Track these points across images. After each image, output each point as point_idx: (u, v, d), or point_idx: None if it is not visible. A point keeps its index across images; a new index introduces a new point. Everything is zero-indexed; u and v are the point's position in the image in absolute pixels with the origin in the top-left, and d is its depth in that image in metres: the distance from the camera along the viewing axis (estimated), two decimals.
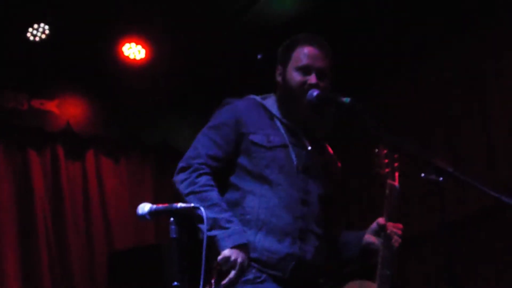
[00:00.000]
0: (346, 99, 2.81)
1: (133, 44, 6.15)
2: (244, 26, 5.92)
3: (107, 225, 6.61)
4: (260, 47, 6.05)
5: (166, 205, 2.58)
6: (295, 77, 2.96)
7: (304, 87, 2.94)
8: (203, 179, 2.82)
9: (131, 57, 6.18)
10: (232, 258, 2.70)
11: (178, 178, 2.86)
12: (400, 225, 2.95)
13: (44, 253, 6.16)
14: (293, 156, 2.94)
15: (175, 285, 2.39)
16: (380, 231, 2.93)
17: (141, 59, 6.19)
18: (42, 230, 6.21)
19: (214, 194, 2.81)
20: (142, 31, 6.11)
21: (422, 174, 2.55)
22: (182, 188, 2.82)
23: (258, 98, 3.07)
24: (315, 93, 2.92)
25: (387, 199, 2.97)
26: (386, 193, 2.97)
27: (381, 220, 2.95)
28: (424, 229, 5.71)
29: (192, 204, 2.59)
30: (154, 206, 2.53)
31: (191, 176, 2.83)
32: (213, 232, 2.73)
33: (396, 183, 3.00)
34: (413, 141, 2.79)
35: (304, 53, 2.99)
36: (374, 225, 2.98)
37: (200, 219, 2.66)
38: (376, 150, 3.06)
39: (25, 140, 6.39)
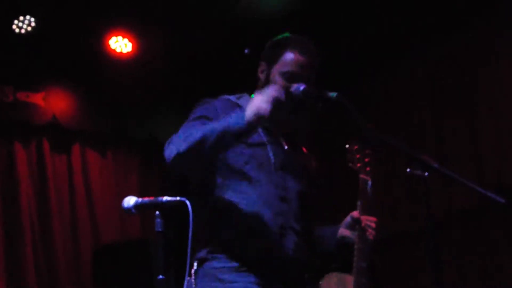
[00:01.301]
0: (333, 94, 2.81)
1: (120, 38, 6.13)
2: (232, 21, 5.92)
3: (93, 218, 6.60)
4: (247, 42, 6.05)
5: (151, 198, 2.58)
6: (279, 82, 2.94)
7: (287, 93, 2.90)
8: (173, 137, 2.76)
9: (118, 50, 6.16)
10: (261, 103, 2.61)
11: (166, 151, 2.72)
12: (374, 219, 2.99)
13: (29, 247, 6.14)
14: (271, 154, 2.93)
15: (160, 279, 2.39)
16: (355, 225, 2.97)
17: (128, 52, 6.17)
18: (27, 223, 6.18)
19: (195, 130, 2.73)
20: (129, 24, 6.09)
21: (408, 169, 2.56)
22: (179, 146, 2.67)
23: (232, 98, 3.05)
24: (301, 87, 2.91)
25: (360, 193, 3.01)
26: (359, 187, 3.01)
27: (355, 213, 2.99)
28: (410, 225, 5.74)
29: (178, 198, 2.57)
30: (140, 199, 2.52)
31: (176, 137, 2.73)
32: (215, 135, 2.63)
33: (369, 178, 3.04)
34: (400, 138, 2.80)
35: (292, 60, 2.98)
36: (348, 219, 3.01)
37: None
38: (347, 145, 3.10)
39: (11, 133, 6.36)
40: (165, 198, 2.51)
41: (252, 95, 2.87)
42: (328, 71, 6.01)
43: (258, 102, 2.61)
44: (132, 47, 6.17)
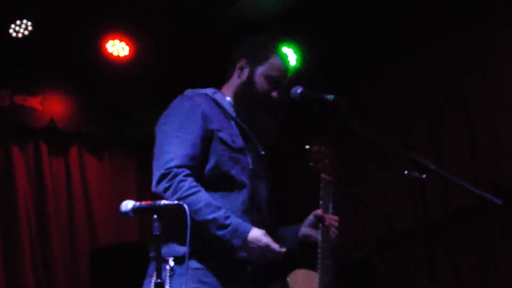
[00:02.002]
0: (330, 96, 2.81)
1: (117, 41, 6.13)
2: (227, 23, 5.92)
3: (90, 221, 6.60)
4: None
5: (149, 202, 2.58)
6: (264, 84, 2.96)
7: (268, 97, 2.96)
8: (187, 183, 2.72)
9: (115, 54, 6.16)
10: (257, 253, 2.73)
11: (160, 188, 2.73)
12: (336, 217, 3.02)
13: (27, 250, 6.14)
14: (250, 160, 2.93)
15: (158, 283, 2.39)
16: (317, 223, 2.98)
17: (124, 56, 6.17)
18: (25, 226, 6.18)
19: (202, 195, 2.72)
20: (126, 28, 6.09)
21: (406, 172, 2.56)
22: (168, 197, 2.68)
23: (210, 94, 3.01)
24: (299, 90, 2.91)
25: (322, 192, 3.04)
26: (321, 187, 3.05)
27: (318, 212, 3.00)
28: (406, 226, 5.74)
29: (176, 202, 2.57)
30: (138, 203, 2.52)
31: (173, 182, 2.71)
32: (219, 233, 2.70)
33: (330, 177, 3.08)
34: (396, 138, 2.81)
35: (280, 66, 3.00)
36: (311, 217, 3.01)
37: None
38: (307, 146, 3.13)
39: (8, 136, 6.36)
40: (163, 202, 2.51)
41: (228, 98, 2.91)
42: (325, 73, 6.06)
43: (261, 252, 2.73)
44: (129, 51, 6.16)
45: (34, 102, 6.37)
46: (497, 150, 5.39)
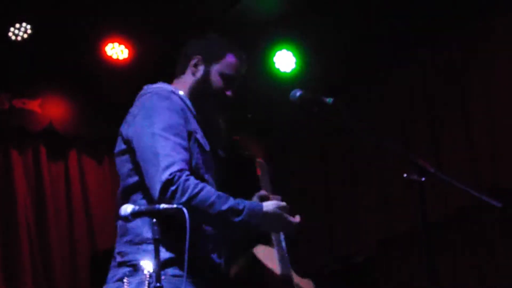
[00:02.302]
0: (329, 99, 2.82)
1: (116, 44, 6.13)
2: (226, 26, 5.92)
3: (89, 225, 6.59)
4: (244, 46, 6.05)
5: (149, 206, 2.58)
6: (219, 82, 2.95)
7: (222, 94, 2.95)
8: (192, 181, 2.67)
9: (114, 57, 6.16)
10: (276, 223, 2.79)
11: (167, 195, 2.64)
12: (279, 196, 3.02)
13: (26, 254, 6.13)
14: (213, 162, 2.93)
15: (158, 286, 2.39)
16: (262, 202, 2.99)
17: (124, 59, 6.17)
18: (24, 229, 6.18)
19: (209, 189, 2.70)
20: (125, 31, 6.09)
21: (405, 175, 2.57)
22: (177, 200, 2.62)
23: (176, 92, 2.93)
24: (298, 93, 2.92)
25: (260, 174, 3.16)
26: (258, 170, 3.18)
27: (262, 192, 3.04)
28: (406, 228, 5.74)
29: (175, 205, 2.56)
30: (137, 207, 2.52)
31: (179, 184, 2.64)
32: (237, 220, 2.69)
33: (263, 160, 3.21)
34: (395, 140, 2.81)
35: (235, 64, 2.99)
36: (254, 199, 3.01)
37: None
38: (238, 137, 3.23)
39: (7, 139, 6.36)
40: (162, 205, 2.51)
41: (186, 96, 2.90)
42: (325, 75, 6.06)
43: (280, 223, 2.82)
44: (129, 54, 6.16)
45: (33, 105, 6.36)
46: (496, 151, 5.40)
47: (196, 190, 2.65)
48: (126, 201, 2.77)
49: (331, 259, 6.46)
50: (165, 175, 2.65)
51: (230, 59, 2.99)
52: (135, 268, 2.71)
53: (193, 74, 2.99)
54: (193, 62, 2.99)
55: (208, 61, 2.97)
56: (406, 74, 6.08)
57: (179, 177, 2.66)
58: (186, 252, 2.47)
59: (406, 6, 5.65)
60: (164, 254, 2.67)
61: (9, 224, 6.17)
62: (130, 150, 2.83)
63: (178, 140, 2.74)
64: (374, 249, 6.17)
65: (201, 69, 2.98)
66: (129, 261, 2.75)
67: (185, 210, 2.51)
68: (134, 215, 2.50)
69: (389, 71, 6.18)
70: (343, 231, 6.39)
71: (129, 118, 2.90)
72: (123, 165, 2.86)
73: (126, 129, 2.87)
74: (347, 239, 6.35)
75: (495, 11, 5.49)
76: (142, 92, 3.00)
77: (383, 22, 5.86)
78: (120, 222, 2.84)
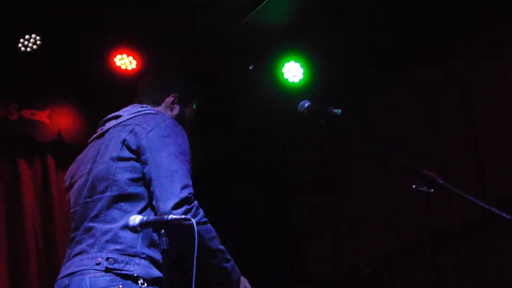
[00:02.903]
0: (338, 111, 2.83)
1: (124, 55, 6.15)
2: (235, 37, 5.94)
3: None
4: (252, 57, 6.08)
5: (157, 216, 2.58)
6: (194, 121, 3.25)
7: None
8: (202, 211, 2.81)
9: (123, 67, 6.18)
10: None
11: (180, 210, 2.71)
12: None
13: (33, 264, 6.13)
14: None
15: None
16: None
17: (132, 69, 6.19)
18: (32, 240, 6.18)
19: (211, 226, 2.86)
20: (134, 42, 6.11)
21: (414, 186, 2.57)
22: (191, 216, 2.69)
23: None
24: (306, 104, 2.94)
25: None
26: None
27: None
28: (414, 240, 5.73)
29: (183, 216, 2.58)
30: (145, 218, 2.53)
31: (193, 206, 2.75)
32: (225, 265, 2.85)
33: None
34: (402, 151, 2.82)
35: (195, 111, 3.33)
36: None
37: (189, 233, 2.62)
38: None
39: (15, 150, 6.37)
40: (170, 216, 2.52)
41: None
42: (332, 86, 6.07)
43: None
44: (137, 65, 6.18)
45: (42, 116, 6.38)
46: (502, 163, 5.38)
47: (205, 219, 2.79)
48: (111, 205, 2.83)
49: (338, 270, 6.45)
50: (184, 193, 2.73)
51: (194, 106, 3.30)
52: (133, 280, 2.72)
53: (170, 110, 3.21)
54: (170, 99, 3.22)
55: (182, 103, 3.22)
56: (412, 83, 6.08)
57: (194, 200, 2.76)
58: (195, 264, 2.48)
59: (411, 15, 5.66)
60: (154, 271, 2.74)
61: (17, 234, 6.16)
62: (137, 160, 2.87)
63: (189, 167, 2.85)
64: (382, 261, 6.15)
65: (177, 107, 3.22)
66: (121, 271, 2.74)
67: (193, 221, 2.52)
68: (142, 226, 2.51)
69: (395, 80, 6.18)
70: (350, 242, 6.38)
71: (138, 129, 2.93)
72: (121, 172, 2.88)
73: (135, 139, 2.91)
74: (354, 250, 6.33)
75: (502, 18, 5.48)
76: (147, 110, 3.10)
77: (389, 32, 5.87)
78: (105, 226, 2.83)
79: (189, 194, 2.73)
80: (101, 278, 2.74)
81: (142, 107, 3.13)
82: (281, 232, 6.87)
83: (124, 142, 2.93)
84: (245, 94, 6.37)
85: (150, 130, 2.90)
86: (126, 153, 2.90)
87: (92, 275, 2.76)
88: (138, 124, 2.96)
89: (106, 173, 2.90)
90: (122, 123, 3.03)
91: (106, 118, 3.20)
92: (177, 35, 5.90)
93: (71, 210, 3.08)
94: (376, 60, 6.08)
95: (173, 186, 2.74)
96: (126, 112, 3.12)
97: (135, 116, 3.05)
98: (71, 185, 3.15)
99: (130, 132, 2.94)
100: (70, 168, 3.24)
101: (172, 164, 2.79)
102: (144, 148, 2.86)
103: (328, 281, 6.41)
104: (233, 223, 6.29)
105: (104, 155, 2.95)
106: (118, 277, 2.72)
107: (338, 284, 6.40)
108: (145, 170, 2.82)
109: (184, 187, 2.74)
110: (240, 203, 6.80)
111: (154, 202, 2.75)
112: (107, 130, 3.08)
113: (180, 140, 2.89)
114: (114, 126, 3.06)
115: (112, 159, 2.91)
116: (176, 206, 2.70)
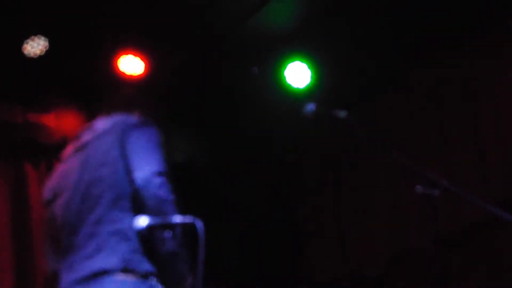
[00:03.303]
0: (342, 113, 2.84)
1: (131, 58, 6.16)
2: (240, 40, 5.95)
3: None
4: (256, 60, 6.09)
5: (163, 219, 2.60)
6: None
7: None
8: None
9: (129, 71, 6.18)
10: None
11: (157, 181, 2.78)
12: None
13: (40, 267, 6.14)
14: None
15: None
16: None
17: (138, 73, 6.19)
18: (38, 244, 6.19)
19: None
20: (139, 45, 6.12)
21: (418, 187, 2.57)
22: (164, 193, 2.76)
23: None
24: (311, 107, 2.95)
25: None
26: None
27: None
28: (420, 243, 5.73)
29: (188, 219, 2.59)
30: (152, 220, 2.54)
31: (169, 185, 2.81)
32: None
33: None
34: (406, 154, 2.82)
35: None
36: None
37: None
38: None
39: (21, 153, 6.38)
40: (177, 218, 2.53)
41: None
42: (336, 89, 6.08)
43: None
44: (143, 68, 6.19)
45: (48, 119, 6.40)
46: (506, 165, 5.39)
47: (173, 197, 2.77)
48: (113, 206, 2.85)
49: (343, 273, 6.45)
50: (161, 167, 2.82)
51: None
52: (147, 277, 2.75)
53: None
54: (141, 113, 3.36)
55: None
56: (417, 87, 6.09)
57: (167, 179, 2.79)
58: (200, 263, 2.49)
59: (417, 19, 5.67)
60: (149, 266, 2.76)
61: (23, 237, 6.18)
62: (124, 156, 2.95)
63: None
64: (388, 264, 6.15)
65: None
66: (137, 270, 2.77)
67: (198, 223, 2.54)
68: (150, 228, 2.52)
69: (401, 83, 6.19)
70: (355, 245, 6.38)
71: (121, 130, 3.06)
72: (118, 172, 2.93)
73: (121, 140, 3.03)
74: (359, 253, 6.34)
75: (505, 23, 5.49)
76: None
77: (390, 32, 5.88)
78: (111, 227, 2.85)
79: (164, 170, 2.80)
80: (125, 280, 2.76)
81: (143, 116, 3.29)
82: (285, 233, 6.88)
83: (113, 144, 2.99)
84: (251, 96, 6.38)
85: (134, 130, 3.05)
86: (117, 153, 2.98)
87: (113, 277, 2.77)
88: (126, 123, 3.13)
89: (101, 177, 2.93)
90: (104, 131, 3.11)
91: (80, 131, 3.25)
92: (182, 39, 5.91)
93: (59, 221, 3.08)
94: (376, 60, 6.08)
95: (152, 158, 2.86)
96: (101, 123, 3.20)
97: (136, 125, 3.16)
98: (54, 199, 3.10)
99: (116, 134, 3.04)
100: (49, 182, 3.24)
101: (155, 148, 2.97)
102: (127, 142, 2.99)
103: (332, 284, 6.41)
104: (237, 224, 6.30)
105: (93, 162, 3.00)
106: (138, 277, 2.75)
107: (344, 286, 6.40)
108: (126, 151, 2.92)
109: (163, 164, 2.83)
110: (243, 205, 6.81)
111: (131, 174, 2.81)
112: (86, 143, 3.14)
113: (155, 134, 3.11)
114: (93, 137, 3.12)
115: (105, 163, 2.96)
116: (153, 175, 2.77)
